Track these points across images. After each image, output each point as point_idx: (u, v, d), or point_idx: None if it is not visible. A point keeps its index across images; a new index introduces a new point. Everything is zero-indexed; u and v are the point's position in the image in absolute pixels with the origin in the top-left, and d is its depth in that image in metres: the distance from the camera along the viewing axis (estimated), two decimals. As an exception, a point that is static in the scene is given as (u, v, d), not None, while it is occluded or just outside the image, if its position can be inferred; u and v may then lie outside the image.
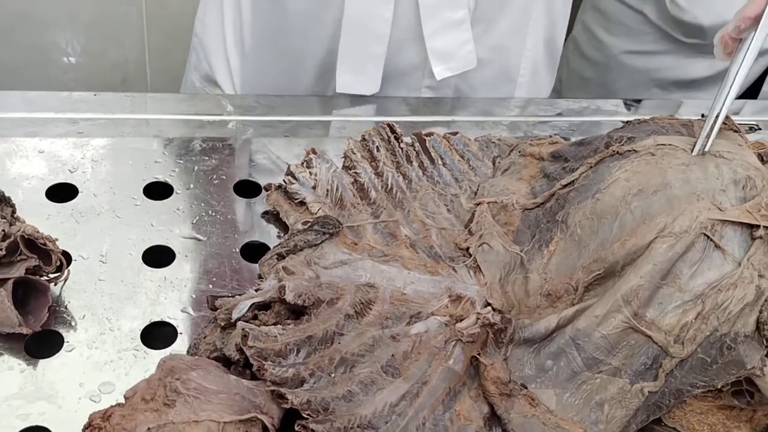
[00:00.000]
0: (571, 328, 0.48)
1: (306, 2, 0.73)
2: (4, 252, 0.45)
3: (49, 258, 0.47)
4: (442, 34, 0.75)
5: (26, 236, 0.46)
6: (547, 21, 0.81)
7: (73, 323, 0.48)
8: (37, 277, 0.47)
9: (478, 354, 0.47)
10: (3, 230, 0.46)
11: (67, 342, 0.47)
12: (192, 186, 0.60)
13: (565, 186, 0.56)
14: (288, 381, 0.44)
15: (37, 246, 0.47)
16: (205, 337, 0.49)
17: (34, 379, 0.45)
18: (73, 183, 0.58)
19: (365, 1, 0.72)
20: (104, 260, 0.52)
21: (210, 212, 0.58)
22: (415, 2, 0.73)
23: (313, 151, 0.60)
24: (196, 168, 0.61)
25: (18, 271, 0.46)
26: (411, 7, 0.73)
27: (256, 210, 0.59)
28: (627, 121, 0.60)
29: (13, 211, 0.49)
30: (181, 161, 0.62)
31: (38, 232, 0.47)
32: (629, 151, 0.55)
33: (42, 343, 0.47)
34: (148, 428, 0.40)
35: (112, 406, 0.42)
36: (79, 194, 0.57)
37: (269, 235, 0.58)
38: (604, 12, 1.21)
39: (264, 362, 0.45)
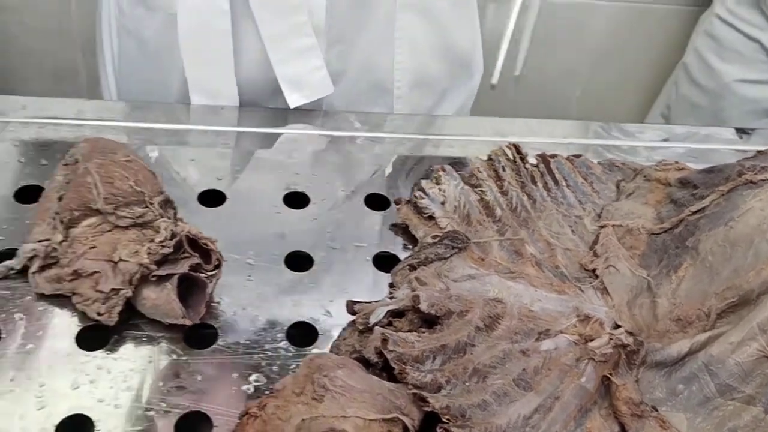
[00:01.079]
0: (704, 354, 0.48)
1: (156, 34, 0.74)
2: (171, 249, 0.50)
3: (209, 257, 0.51)
4: (291, 63, 0.73)
5: (190, 236, 0.51)
6: (426, 29, 0.79)
7: (226, 318, 0.52)
8: (198, 274, 0.51)
9: (610, 374, 0.48)
10: (171, 230, 0.50)
11: (221, 336, 0.51)
12: (325, 198, 0.63)
13: (694, 212, 0.57)
14: (427, 386, 0.47)
15: (198, 245, 0.51)
16: (344, 339, 0.52)
17: (191, 368, 0.49)
18: (220, 190, 0.62)
19: (199, 35, 0.70)
20: (252, 263, 0.56)
21: (343, 223, 0.61)
22: (258, 31, 0.72)
23: (443, 168, 0.63)
24: (328, 181, 0.65)
25: (182, 268, 0.50)
26: (255, 36, 0.71)
27: (385, 221, 0.62)
28: (759, 151, 0.60)
29: (175, 213, 0.54)
30: (316, 174, 0.66)
31: (201, 232, 0.51)
32: (764, 180, 0.55)
33: (198, 336, 0.51)
34: (302, 419, 0.43)
35: (266, 397, 0.45)
36: (227, 201, 0.61)
37: (398, 246, 0.60)
38: (718, 39, 1.19)
39: (404, 366, 0.47)
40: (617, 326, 0.52)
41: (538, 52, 1.42)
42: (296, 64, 0.72)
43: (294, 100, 0.73)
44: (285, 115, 0.72)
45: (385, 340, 0.48)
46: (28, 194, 0.59)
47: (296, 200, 0.63)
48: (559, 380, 0.48)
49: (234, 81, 0.72)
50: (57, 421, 0.45)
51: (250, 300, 0.54)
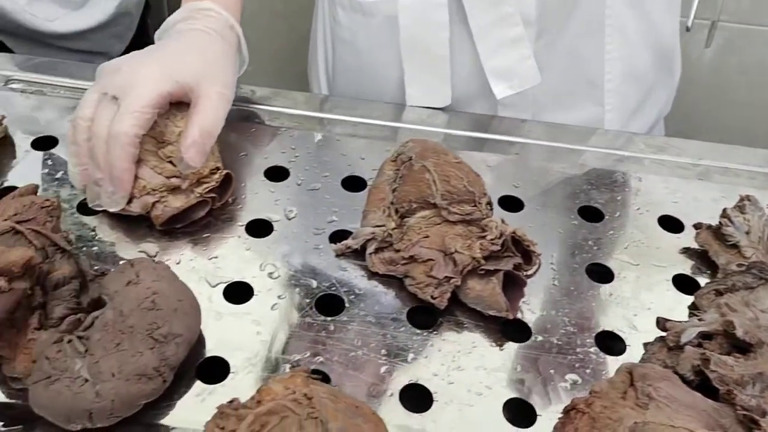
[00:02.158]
0: None
1: (371, 39, 0.76)
2: (499, 247, 0.54)
3: (529, 258, 0.55)
4: (498, 54, 0.72)
5: (516, 236, 0.54)
6: (636, 18, 0.75)
7: (537, 317, 0.55)
8: (519, 272, 0.54)
9: None
10: (500, 230, 0.54)
11: (535, 333, 0.54)
12: (619, 214, 0.65)
13: None
14: (753, 409, 0.47)
15: (521, 246, 0.55)
16: (654, 354, 0.53)
17: (512, 359, 0.52)
18: (518, 197, 0.66)
19: (418, 30, 0.71)
20: (555, 268, 0.59)
21: (638, 241, 0.63)
22: (467, 23, 0.71)
23: (748, 198, 0.62)
24: (619, 197, 0.67)
25: (507, 265, 0.54)
26: (464, 28, 0.71)
27: (679, 244, 0.63)
28: None
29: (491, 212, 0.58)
30: (607, 191, 0.68)
31: (525, 234, 0.55)
32: None
33: (515, 329, 0.55)
34: (635, 422, 0.45)
35: (591, 396, 0.47)
36: (525, 207, 0.65)
37: (687, 268, 0.61)
38: None
39: (729, 387, 0.48)
40: None
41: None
42: (504, 54, 0.72)
43: (500, 90, 0.74)
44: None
45: (706, 360, 0.49)
46: (352, 183, 0.66)
47: (591, 214, 0.65)
48: None
49: (449, 77, 0.74)
50: (400, 387, 0.50)
51: (556, 303, 0.57)
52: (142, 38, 1.04)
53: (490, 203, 0.58)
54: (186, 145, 0.58)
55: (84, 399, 0.45)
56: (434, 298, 0.54)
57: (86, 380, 0.45)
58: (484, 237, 0.54)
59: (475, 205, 0.56)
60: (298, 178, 0.66)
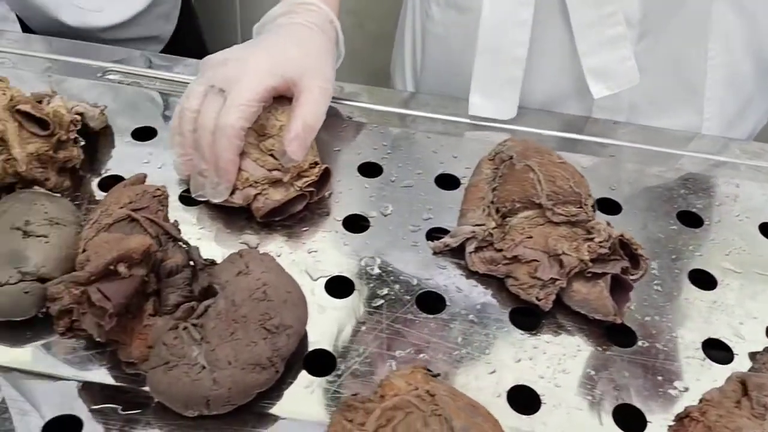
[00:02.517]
0: None
1: (464, 36, 0.74)
2: (607, 250, 0.53)
3: (637, 261, 0.54)
4: (598, 52, 0.70)
5: (624, 240, 0.54)
6: (741, 23, 0.72)
7: (642, 323, 0.55)
8: (627, 276, 0.54)
9: None
10: (608, 232, 0.53)
11: (640, 338, 0.54)
12: (719, 220, 0.64)
13: None
14: None
15: (627, 249, 0.54)
16: (764, 363, 0.52)
17: (617, 363, 0.52)
18: (615, 199, 0.65)
19: (499, 27, 0.69)
20: (656, 273, 0.58)
21: (740, 248, 0.61)
22: (566, 21, 0.69)
23: None
24: (718, 203, 0.66)
25: (614, 269, 0.53)
26: (562, 26, 0.69)
27: (782, 254, 0.62)
28: None
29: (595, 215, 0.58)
30: (705, 196, 0.66)
31: (632, 238, 0.54)
32: None
33: (619, 334, 0.54)
34: (755, 433, 0.44)
35: (704, 404, 0.47)
36: (623, 210, 0.64)
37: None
38: None
39: None
40: None
41: None
42: (604, 54, 0.71)
43: (598, 90, 0.72)
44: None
45: (823, 372, 0.48)
46: (446, 181, 0.66)
47: (690, 219, 0.64)
48: None
49: (519, 85, 0.73)
50: (507, 387, 0.50)
51: (659, 309, 0.56)
52: (188, 16, 1.03)
53: (594, 205, 0.57)
54: (289, 138, 0.59)
55: (202, 386, 0.46)
56: (539, 300, 0.53)
57: (203, 367, 0.46)
58: (590, 239, 0.54)
59: (580, 207, 0.56)
60: (392, 174, 0.66)
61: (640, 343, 0.53)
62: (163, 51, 0.98)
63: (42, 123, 0.58)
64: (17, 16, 0.88)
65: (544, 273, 0.54)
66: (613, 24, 0.69)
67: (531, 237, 0.56)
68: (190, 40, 1.04)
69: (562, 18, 0.71)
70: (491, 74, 0.72)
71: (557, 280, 0.53)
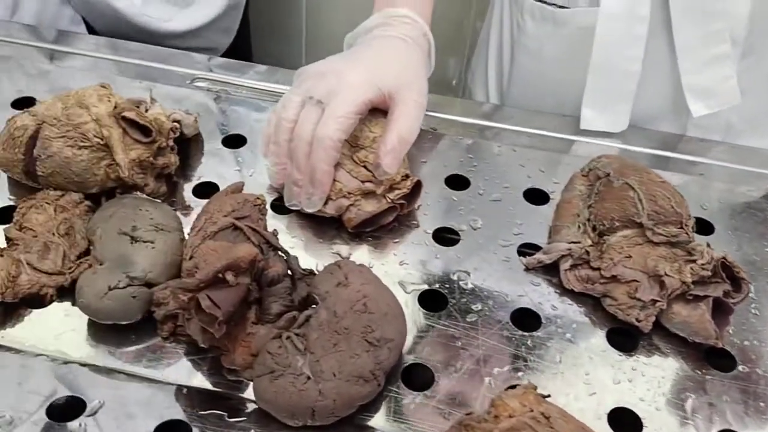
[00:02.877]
0: None
1: (559, 50, 0.74)
2: (710, 273, 0.52)
3: (738, 285, 0.53)
4: (701, 70, 0.69)
5: (726, 262, 0.53)
6: None
7: (741, 347, 0.54)
8: (728, 300, 0.53)
9: None
10: (711, 256, 0.53)
11: (740, 363, 0.53)
12: (816, 243, 0.62)
13: None
14: None
15: (730, 272, 0.53)
16: None
17: (717, 388, 0.51)
18: (708, 219, 0.64)
19: (614, 43, 0.69)
20: (753, 295, 0.57)
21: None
22: (669, 39, 0.68)
23: None
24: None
25: (716, 291, 0.52)
26: (665, 43, 0.68)
27: None
28: None
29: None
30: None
31: (735, 260, 0.53)
32: None
33: (718, 357, 0.53)
34: None
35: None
36: (716, 230, 0.63)
37: None
38: None
39: None
40: None
41: None
42: (706, 72, 0.71)
43: (697, 109, 0.72)
44: None
45: None
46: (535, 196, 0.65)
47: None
48: None
49: (632, 98, 0.72)
50: (608, 409, 0.49)
51: (758, 333, 0.55)
52: (244, 29, 1.05)
53: (694, 226, 0.57)
54: (384, 151, 0.59)
55: (308, 396, 0.46)
56: (638, 321, 0.53)
57: (308, 377, 0.47)
58: (692, 261, 0.53)
59: (681, 227, 0.55)
60: (479, 188, 0.66)
61: (740, 367, 0.52)
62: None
63: (145, 130, 0.60)
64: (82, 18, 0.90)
65: (644, 294, 0.53)
66: (718, 42, 0.69)
67: (630, 257, 0.55)
68: (240, 49, 1.07)
69: (665, 35, 0.70)
70: (604, 89, 0.72)
71: (658, 301, 0.53)
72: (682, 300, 0.53)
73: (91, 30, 0.91)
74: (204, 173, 0.66)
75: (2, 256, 0.53)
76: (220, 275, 0.48)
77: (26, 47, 0.80)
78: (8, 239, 0.56)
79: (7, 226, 0.57)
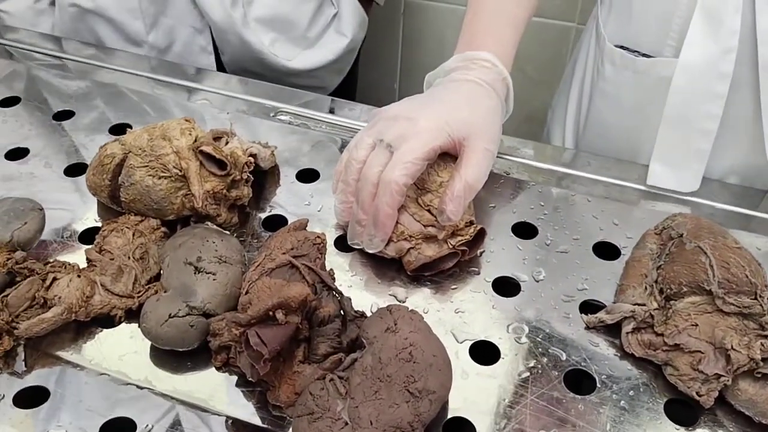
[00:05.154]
0: None
1: (636, 98, 0.72)
2: (783, 351, 0.49)
3: (816, 368, 0.49)
4: None
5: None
6: None
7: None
8: (803, 382, 0.49)
9: None
10: (786, 330, 0.49)
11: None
12: None
13: None
14: None
15: (807, 353, 0.49)
16: None
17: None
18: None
19: (690, 97, 0.65)
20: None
21: None
22: (755, 95, 0.65)
23: None
24: None
25: (789, 372, 0.49)
26: (751, 99, 0.65)
27: None
28: None
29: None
30: None
31: (814, 341, 0.49)
32: None
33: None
34: None
35: None
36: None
37: None
38: None
39: None
40: None
41: None
42: None
43: None
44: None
45: None
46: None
47: None
48: None
49: (706, 158, 0.68)
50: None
51: (841, 421, 0.50)
52: (354, 69, 1.10)
53: (770, 297, 0.53)
54: (449, 198, 0.59)
55: (343, 442, 0.46)
56: (699, 396, 0.50)
57: (346, 423, 0.47)
58: (764, 336, 0.49)
59: (755, 298, 0.51)
60: (547, 237, 0.65)
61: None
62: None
63: (220, 164, 0.62)
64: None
65: (707, 367, 0.50)
66: None
67: (696, 325, 0.52)
68: (347, 88, 1.12)
69: (752, 92, 0.66)
70: (676, 144, 0.68)
71: (722, 376, 0.49)
72: (750, 377, 0.49)
73: (218, 59, 0.98)
74: (276, 206, 0.68)
75: (80, 276, 0.57)
76: (271, 313, 0.49)
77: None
78: (88, 260, 0.59)
79: (89, 247, 0.61)
